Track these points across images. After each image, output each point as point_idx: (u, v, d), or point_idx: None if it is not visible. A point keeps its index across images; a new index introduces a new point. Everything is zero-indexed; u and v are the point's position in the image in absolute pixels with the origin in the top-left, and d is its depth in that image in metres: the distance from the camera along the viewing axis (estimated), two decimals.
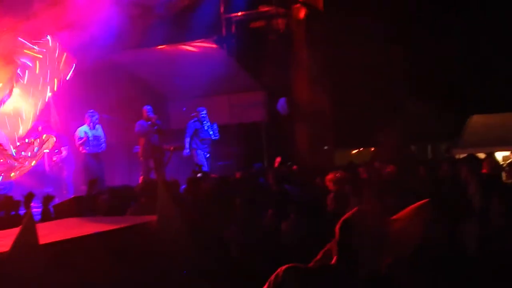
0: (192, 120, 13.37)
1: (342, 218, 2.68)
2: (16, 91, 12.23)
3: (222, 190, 7.63)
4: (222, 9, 14.60)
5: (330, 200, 6.42)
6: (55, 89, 12.38)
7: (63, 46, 12.18)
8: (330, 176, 7.24)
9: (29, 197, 7.81)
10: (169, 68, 14.78)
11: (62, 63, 12.27)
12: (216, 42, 14.21)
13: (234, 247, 5.20)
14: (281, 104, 14.26)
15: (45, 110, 13.03)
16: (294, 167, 10.60)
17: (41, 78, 12.25)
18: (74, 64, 12.30)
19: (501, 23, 12.98)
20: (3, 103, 12.18)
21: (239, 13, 14.66)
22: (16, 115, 12.26)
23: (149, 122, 12.98)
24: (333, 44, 13.61)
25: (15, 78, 12.16)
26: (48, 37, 12.25)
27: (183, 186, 8.31)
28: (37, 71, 12.22)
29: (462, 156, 10.89)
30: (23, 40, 11.96)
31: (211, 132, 13.35)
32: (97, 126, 12.64)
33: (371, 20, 12.47)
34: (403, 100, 13.72)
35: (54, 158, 12.81)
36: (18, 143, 12.18)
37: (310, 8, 14.35)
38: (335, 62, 13.57)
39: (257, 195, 6.55)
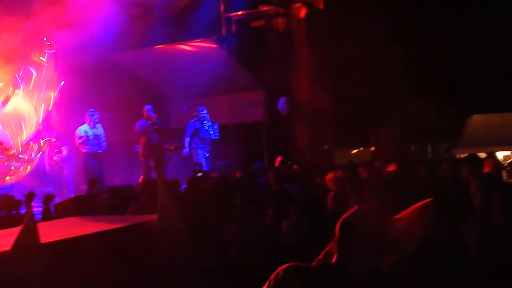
0: (192, 120, 13.37)
1: (342, 217, 2.68)
2: (19, 97, 12.24)
3: (222, 189, 7.63)
4: (222, 9, 14.60)
5: (330, 199, 6.42)
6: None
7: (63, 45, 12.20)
8: (330, 176, 7.24)
9: (30, 196, 7.82)
10: (169, 68, 14.77)
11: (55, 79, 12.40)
12: (216, 41, 14.21)
13: (234, 246, 5.20)
14: (281, 103, 14.25)
15: (46, 110, 13.04)
16: (295, 166, 10.60)
17: (44, 85, 12.31)
18: (63, 82, 12.40)
19: (501, 19, 12.99)
20: (4, 106, 12.18)
21: (239, 13, 14.66)
22: (20, 119, 12.27)
23: (149, 122, 12.98)
24: (334, 40, 13.60)
25: (13, 83, 12.16)
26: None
27: (184, 186, 8.32)
28: (42, 78, 12.29)
29: (462, 156, 10.89)
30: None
31: (211, 132, 13.35)
32: (97, 125, 12.66)
33: (371, 16, 12.48)
34: (403, 96, 13.74)
35: (55, 158, 12.81)
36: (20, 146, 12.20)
37: (310, 7, 14.35)
38: (336, 58, 13.57)
39: (257, 195, 6.55)
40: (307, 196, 7.06)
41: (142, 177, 12.60)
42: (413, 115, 13.27)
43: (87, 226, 4.35)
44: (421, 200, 2.93)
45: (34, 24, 11.84)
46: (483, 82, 13.13)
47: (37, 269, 3.35)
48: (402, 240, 2.72)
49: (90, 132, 12.49)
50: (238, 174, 9.30)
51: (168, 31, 13.98)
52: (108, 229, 4.07)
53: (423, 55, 13.30)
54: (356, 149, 16.07)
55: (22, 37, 11.90)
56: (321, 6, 14.39)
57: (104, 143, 12.73)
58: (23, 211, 7.52)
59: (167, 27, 13.96)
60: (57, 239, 3.71)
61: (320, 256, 2.76)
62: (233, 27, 14.67)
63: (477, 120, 13.54)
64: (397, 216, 2.81)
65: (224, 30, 14.53)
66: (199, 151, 13.31)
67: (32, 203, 7.91)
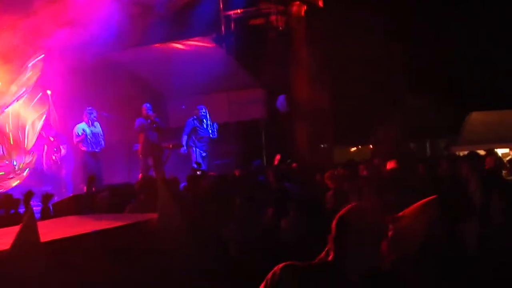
0: (191, 118, 13.37)
1: (338, 215, 2.67)
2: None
3: (221, 188, 7.61)
4: (221, 7, 14.58)
5: (330, 197, 6.42)
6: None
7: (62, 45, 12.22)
8: (329, 174, 7.24)
9: (29, 195, 7.80)
10: (168, 66, 14.76)
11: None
12: (215, 40, 14.20)
13: (233, 245, 5.19)
14: (281, 101, 14.25)
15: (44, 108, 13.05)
16: (294, 164, 10.60)
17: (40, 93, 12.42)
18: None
19: (500, 16, 12.99)
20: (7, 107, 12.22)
21: (238, 11, 14.64)
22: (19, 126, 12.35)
23: (148, 120, 12.97)
24: (333, 38, 13.61)
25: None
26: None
27: (183, 184, 8.32)
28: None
29: (461, 153, 10.90)
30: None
31: (210, 131, 13.36)
32: (95, 123, 12.64)
33: (370, 14, 12.48)
34: (402, 93, 13.74)
35: (54, 157, 12.80)
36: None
37: (309, 5, 14.34)
38: (335, 56, 13.58)
39: (256, 193, 6.54)
40: (307, 195, 7.05)
41: (141, 175, 12.59)
42: (412, 113, 13.28)
43: (87, 225, 4.35)
44: (421, 198, 2.92)
45: (33, 23, 11.83)
46: (482, 79, 13.14)
47: (37, 268, 3.35)
48: (406, 237, 2.71)
49: (88, 131, 12.47)
50: (237, 172, 9.29)
51: (168, 30, 13.96)
52: (107, 228, 4.06)
53: (422, 53, 13.32)
54: (355, 147, 16.08)
55: (21, 36, 11.90)
56: (321, 4, 14.40)
57: (102, 141, 12.72)
58: (21, 210, 7.51)
59: (167, 25, 13.94)
60: (56, 237, 3.71)
61: (322, 254, 2.76)
62: (232, 25, 14.65)
63: (476, 117, 13.56)
64: (400, 214, 2.80)
65: (223, 29, 14.51)
66: (196, 150, 13.30)
67: (31, 202, 7.90)
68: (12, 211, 7.51)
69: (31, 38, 12.07)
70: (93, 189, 9.09)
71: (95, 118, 12.63)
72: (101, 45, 12.24)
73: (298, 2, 14.40)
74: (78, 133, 12.42)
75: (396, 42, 12.85)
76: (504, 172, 8.41)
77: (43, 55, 12.38)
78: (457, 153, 11.86)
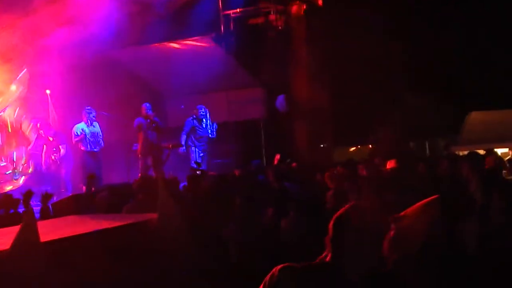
0: (191, 117, 13.36)
1: (335, 215, 2.66)
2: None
3: (221, 187, 7.61)
4: (220, 6, 14.58)
5: (330, 197, 6.41)
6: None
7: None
8: (329, 173, 7.24)
9: (28, 195, 7.79)
10: (167, 66, 14.75)
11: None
12: (214, 39, 14.19)
13: (233, 245, 5.18)
14: (280, 101, 14.24)
15: (43, 108, 13.04)
16: (294, 164, 10.59)
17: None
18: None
19: (500, 15, 12.98)
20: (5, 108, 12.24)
21: (238, 10, 14.64)
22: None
23: (148, 120, 12.96)
24: (332, 37, 13.60)
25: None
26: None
27: (182, 184, 8.31)
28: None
29: (461, 153, 10.90)
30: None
31: (209, 130, 13.35)
32: (94, 123, 12.62)
33: (370, 13, 12.48)
34: (402, 93, 13.72)
35: (53, 156, 12.79)
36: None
37: (309, 4, 14.33)
38: (334, 55, 13.57)
39: (256, 193, 6.54)
40: (306, 194, 7.05)
41: (140, 175, 12.58)
42: (411, 112, 13.27)
43: (86, 225, 4.35)
44: (421, 198, 2.91)
45: (32, 22, 11.82)
46: (481, 79, 13.13)
47: (37, 268, 3.34)
48: (407, 237, 2.71)
49: (87, 130, 12.46)
50: (237, 172, 9.29)
51: (167, 29, 13.96)
52: (107, 228, 4.06)
53: (421, 52, 13.30)
54: (354, 146, 16.07)
55: (20, 35, 11.89)
56: (320, 3, 14.38)
57: (102, 141, 12.71)
58: (21, 209, 7.51)
59: (166, 24, 13.95)
60: (56, 237, 3.71)
61: (324, 255, 2.75)
62: (232, 25, 14.65)
63: (475, 117, 13.54)
64: (401, 214, 2.80)
65: (222, 28, 14.51)
66: (195, 149, 13.29)
67: (30, 202, 7.89)
68: (12, 211, 7.50)
69: (30, 37, 12.06)
70: (93, 188, 9.10)
71: (94, 118, 12.61)
72: (100, 43, 12.25)
73: (297, 1, 14.39)
74: (77, 133, 12.40)
75: (395, 41, 12.84)
76: (504, 171, 8.40)
77: (25, 70, 12.44)
78: (456, 152, 11.84)
